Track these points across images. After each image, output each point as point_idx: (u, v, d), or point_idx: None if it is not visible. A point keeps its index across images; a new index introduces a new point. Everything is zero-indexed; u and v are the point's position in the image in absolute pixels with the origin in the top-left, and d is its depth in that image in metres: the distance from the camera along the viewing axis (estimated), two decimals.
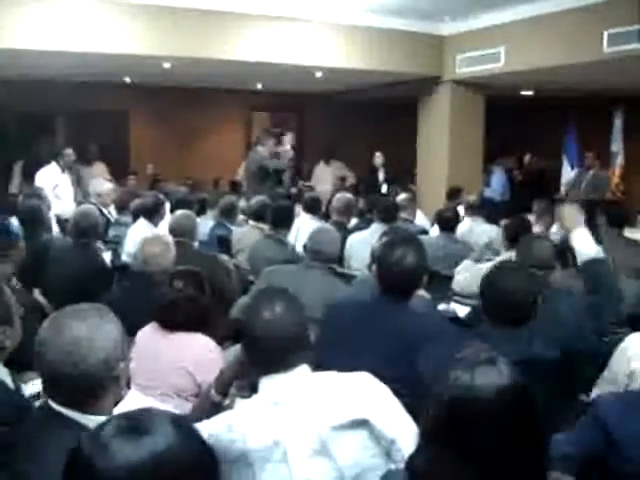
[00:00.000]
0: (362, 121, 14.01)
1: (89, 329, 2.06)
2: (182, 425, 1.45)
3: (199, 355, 3.31)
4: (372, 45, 10.25)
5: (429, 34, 10.71)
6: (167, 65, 10.13)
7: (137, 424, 1.42)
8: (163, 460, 1.36)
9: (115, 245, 6.60)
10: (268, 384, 2.31)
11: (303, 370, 2.34)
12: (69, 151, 9.11)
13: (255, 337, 2.35)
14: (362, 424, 2.23)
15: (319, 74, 10.91)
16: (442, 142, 11.14)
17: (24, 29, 8.40)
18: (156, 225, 6.48)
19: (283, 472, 2.23)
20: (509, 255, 4.75)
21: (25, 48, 8.61)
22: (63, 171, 9.03)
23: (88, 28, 8.65)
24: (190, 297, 3.39)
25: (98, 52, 8.91)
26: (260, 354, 2.36)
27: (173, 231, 5.19)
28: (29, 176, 9.44)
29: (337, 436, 2.22)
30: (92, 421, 2.04)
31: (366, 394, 2.30)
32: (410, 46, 10.54)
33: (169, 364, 3.28)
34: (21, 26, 8.38)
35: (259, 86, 13.22)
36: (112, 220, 7.61)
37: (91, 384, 2.05)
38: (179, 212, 5.62)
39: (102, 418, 2.08)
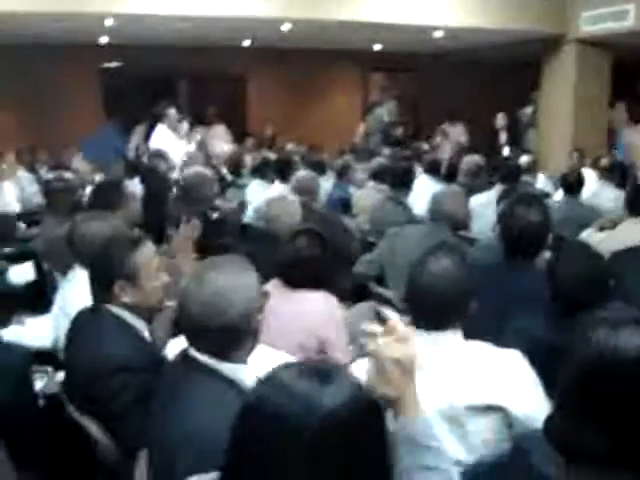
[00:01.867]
0: (480, 82, 13.67)
1: (230, 281, 2.11)
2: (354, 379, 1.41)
3: (321, 312, 3.32)
4: (490, 2, 9.96)
5: None
6: (286, 27, 10.15)
7: (319, 371, 1.36)
8: (347, 408, 1.31)
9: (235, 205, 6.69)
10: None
11: (455, 335, 2.30)
12: (172, 111, 9.22)
13: (414, 288, 2.33)
14: (498, 409, 2.18)
15: (437, 33, 10.70)
16: (566, 104, 10.76)
17: None
18: (273, 184, 6.54)
19: None
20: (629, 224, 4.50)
21: (147, 13, 8.82)
22: (174, 133, 9.11)
23: None
24: (313, 255, 3.40)
25: (218, 15, 9.02)
26: (415, 307, 2.34)
27: (296, 190, 5.23)
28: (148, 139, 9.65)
29: (470, 415, 2.18)
30: (231, 370, 2.10)
31: (509, 379, 2.22)
32: (531, 3, 10.17)
33: (292, 321, 3.30)
34: None
35: (377, 47, 13.09)
36: (228, 181, 7.73)
37: (231, 335, 2.10)
38: (302, 172, 5.66)
39: (241, 367, 2.13)
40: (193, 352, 2.12)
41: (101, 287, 2.73)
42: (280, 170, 6.60)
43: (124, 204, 4.36)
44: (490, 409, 2.17)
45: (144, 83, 12.44)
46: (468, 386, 2.19)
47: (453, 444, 2.16)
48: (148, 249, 2.75)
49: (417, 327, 2.25)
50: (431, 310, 2.29)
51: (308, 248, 3.41)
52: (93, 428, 2.66)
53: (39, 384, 3.23)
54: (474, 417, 2.18)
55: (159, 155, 7.14)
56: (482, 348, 2.32)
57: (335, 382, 1.33)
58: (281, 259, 3.44)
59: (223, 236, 4.66)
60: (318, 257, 3.43)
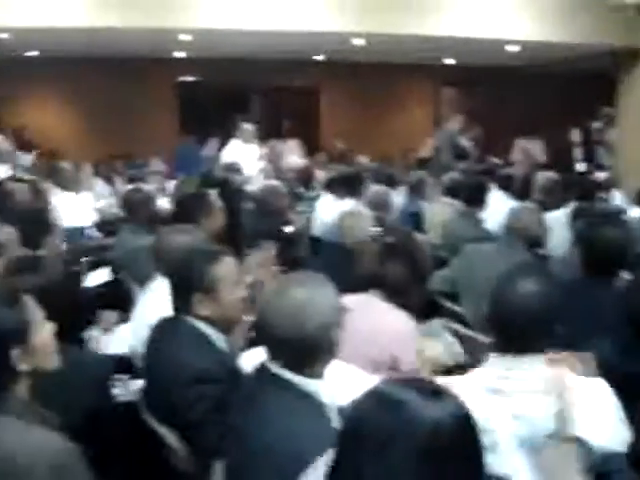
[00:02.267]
0: (552, 96, 13.45)
1: (310, 294, 2.13)
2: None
3: (395, 328, 3.30)
4: (565, 16, 9.81)
5: (626, 3, 10.08)
6: (360, 42, 10.19)
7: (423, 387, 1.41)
8: (452, 423, 1.36)
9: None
10: (497, 363, 2.25)
11: (539, 359, 2.23)
12: (247, 126, 9.32)
13: (500, 309, 2.29)
14: (576, 440, 2.10)
15: (511, 47, 10.60)
16: None
17: (220, 9, 8.73)
18: (344, 199, 6.55)
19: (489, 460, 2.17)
20: None
21: (223, 27, 8.96)
22: (247, 147, 9.20)
23: (282, 6, 8.86)
24: (395, 271, 3.39)
25: (292, 30, 9.11)
26: (500, 329, 2.29)
27: (370, 205, 5.25)
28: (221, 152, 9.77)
29: (548, 444, 2.11)
30: (308, 384, 2.11)
31: (593, 410, 2.15)
32: (607, 16, 9.98)
33: (366, 337, 3.29)
34: (217, 6, 8.72)
35: (449, 61, 13.04)
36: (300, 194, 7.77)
37: (309, 348, 2.11)
38: (376, 187, 5.67)
39: (320, 382, 2.15)
40: (271, 365, 2.14)
41: (181, 298, 2.77)
42: (350, 185, 6.61)
43: (208, 216, 4.44)
44: (569, 439, 2.10)
45: (219, 96, 12.64)
46: (550, 414, 2.12)
47: (527, 473, 2.14)
48: (228, 263, 2.79)
49: (500, 350, 2.24)
50: (518, 333, 2.23)
51: (392, 264, 3.40)
52: (170, 437, 2.70)
53: (115, 391, 3.30)
54: (552, 446, 2.13)
55: (233, 168, 7.24)
56: (566, 375, 2.24)
57: (441, 398, 1.38)
58: (361, 273, 3.43)
59: (297, 250, 4.71)
60: (400, 273, 3.41)
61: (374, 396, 1.41)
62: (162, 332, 2.87)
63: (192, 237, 3.51)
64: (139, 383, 3.25)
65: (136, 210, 5.25)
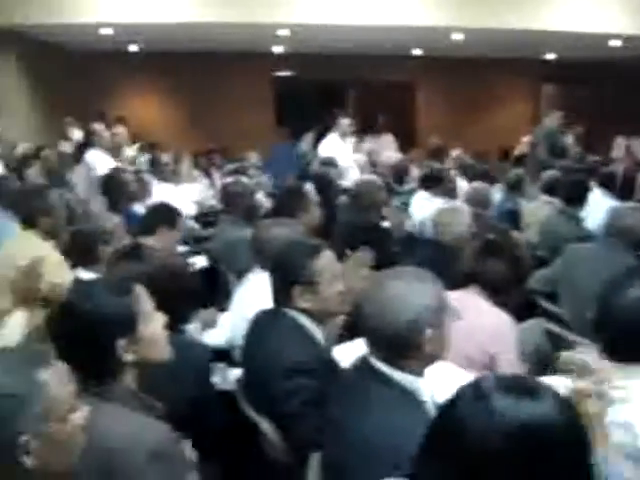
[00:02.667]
0: None
1: (404, 288, 2.12)
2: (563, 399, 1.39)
3: (494, 328, 3.25)
4: None
5: None
6: (458, 36, 10.08)
7: (522, 386, 1.38)
8: (544, 426, 1.31)
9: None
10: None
11: None
12: (345, 121, 9.31)
13: (610, 315, 2.22)
14: None
15: (614, 42, 10.29)
16: None
17: (318, 4, 8.78)
18: (438, 196, 6.49)
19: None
20: None
21: (320, 23, 9.00)
22: (343, 141, 9.19)
23: (379, 1, 8.84)
24: (497, 268, 3.34)
25: (389, 25, 9.08)
26: (610, 336, 2.22)
27: (469, 201, 5.19)
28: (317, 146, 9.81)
29: None
30: (411, 382, 2.10)
31: None
32: None
33: (463, 334, 3.25)
34: (316, 1, 8.76)
35: (549, 56, 12.75)
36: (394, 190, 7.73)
37: (400, 342, 2.10)
38: (476, 183, 5.61)
39: (421, 380, 2.14)
40: (372, 359, 2.15)
41: (281, 291, 2.80)
42: (444, 182, 6.55)
43: (305, 211, 4.47)
44: None
45: (315, 91, 12.71)
46: None
47: None
48: (328, 256, 2.80)
49: (611, 358, 2.16)
50: (630, 341, 2.16)
51: (492, 261, 3.35)
52: (267, 427, 2.74)
53: (214, 379, 3.36)
54: None
55: (330, 162, 7.27)
56: None
57: (538, 397, 1.34)
58: (459, 270, 3.40)
59: (392, 246, 4.69)
60: (500, 270, 3.36)
61: (468, 393, 1.38)
62: (262, 324, 2.91)
63: (291, 230, 3.55)
64: (236, 372, 3.31)
65: (235, 202, 5.33)
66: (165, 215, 4.35)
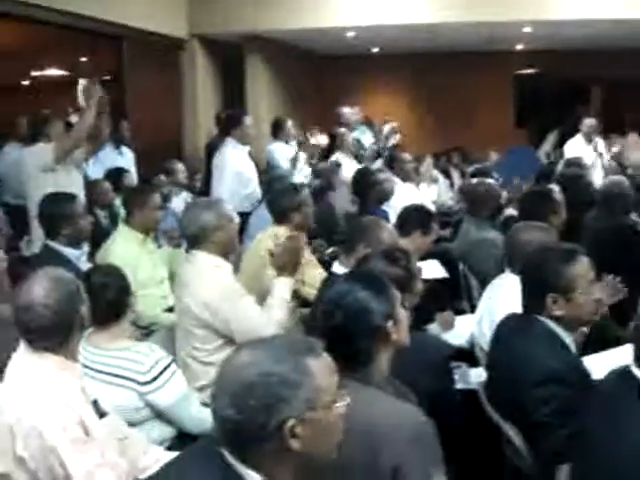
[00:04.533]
0: None
1: None
2: None
3: None
4: None
5: None
6: None
7: None
8: None
9: None
10: None
11: None
12: (589, 121, 8.91)
13: None
14: None
15: None
16: None
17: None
18: None
19: None
20: None
21: (566, 18, 8.71)
22: (589, 142, 8.80)
23: None
24: None
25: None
26: None
27: None
28: (561, 145, 9.49)
29: None
30: None
31: None
32: None
33: None
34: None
35: None
36: None
37: None
38: None
39: None
40: (634, 369, 2.06)
41: (533, 297, 2.75)
42: None
43: (554, 213, 4.37)
44: None
45: (558, 89, 12.28)
46: None
47: None
48: (584, 262, 2.72)
49: None
50: None
51: None
52: (514, 435, 2.70)
53: (455, 378, 3.39)
54: None
55: (576, 163, 7.02)
56: None
57: None
58: None
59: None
60: None
61: None
62: (511, 329, 2.88)
63: (546, 234, 3.48)
64: (479, 373, 3.31)
65: (480, 203, 5.30)
66: (421, 219, 4.39)
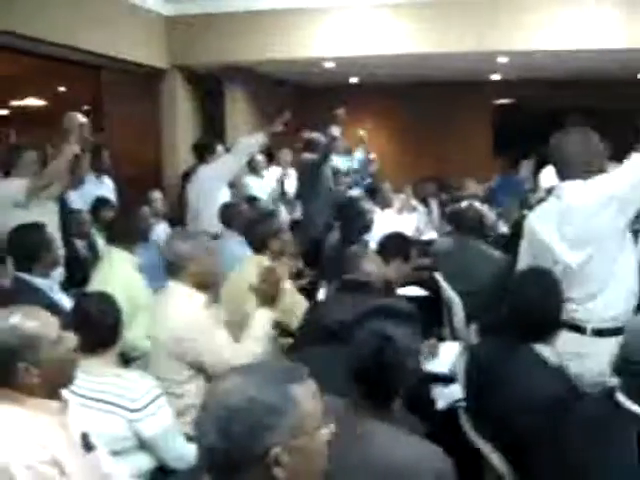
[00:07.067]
0: None
1: None
2: None
3: None
4: None
5: None
6: None
7: None
8: None
9: None
10: None
11: None
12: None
13: None
14: None
15: None
16: None
17: (537, 31, 8.60)
18: None
19: None
20: None
21: (538, 49, 8.81)
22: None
23: (607, 24, 8.51)
24: None
25: (610, 48, 8.70)
26: None
27: None
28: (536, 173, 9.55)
29: None
30: None
31: None
32: None
33: None
34: (535, 28, 8.58)
35: None
36: None
37: None
38: None
39: None
40: (619, 395, 2.07)
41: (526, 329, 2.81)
42: None
43: None
44: None
45: (534, 119, 12.42)
46: None
47: None
48: None
49: None
50: None
51: None
52: (494, 457, 2.70)
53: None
54: None
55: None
56: None
57: None
58: None
59: None
60: None
61: None
62: (501, 356, 2.89)
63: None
64: (455, 391, 3.33)
65: (464, 226, 5.43)
66: (400, 246, 4.42)
